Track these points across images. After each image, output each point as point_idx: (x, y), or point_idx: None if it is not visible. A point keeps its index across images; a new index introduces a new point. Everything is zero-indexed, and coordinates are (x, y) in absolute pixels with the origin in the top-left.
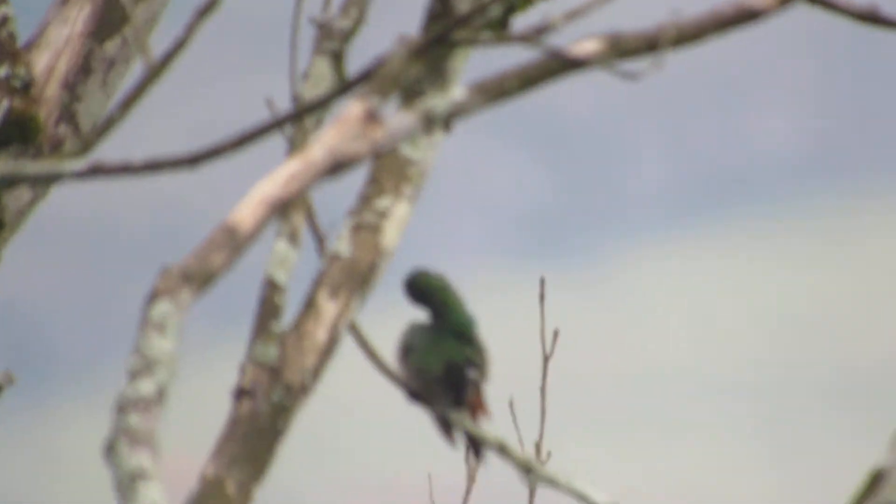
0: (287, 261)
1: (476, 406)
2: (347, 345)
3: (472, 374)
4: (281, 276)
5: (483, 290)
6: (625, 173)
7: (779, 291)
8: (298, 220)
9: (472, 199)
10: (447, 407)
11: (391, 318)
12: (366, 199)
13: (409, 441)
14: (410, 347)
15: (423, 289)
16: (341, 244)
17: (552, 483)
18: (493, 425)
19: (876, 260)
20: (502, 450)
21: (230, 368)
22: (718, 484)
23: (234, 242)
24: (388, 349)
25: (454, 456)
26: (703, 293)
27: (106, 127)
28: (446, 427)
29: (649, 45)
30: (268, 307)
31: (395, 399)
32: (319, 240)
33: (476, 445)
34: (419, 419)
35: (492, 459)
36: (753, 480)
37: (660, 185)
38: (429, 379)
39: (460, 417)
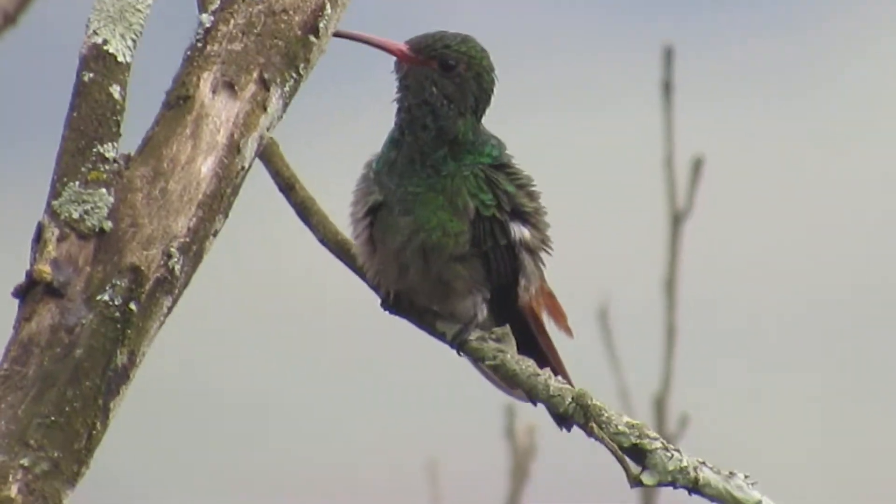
0: (133, 9)
1: (536, 306)
2: (264, 187)
3: (521, 232)
4: (119, 44)
5: (558, 68)
6: None
7: None
8: None
9: None
10: (473, 317)
11: (360, 126)
12: None
13: (397, 397)
14: (384, 202)
15: (460, 61)
16: None
17: (686, 483)
18: (570, 352)
19: None
20: (586, 413)
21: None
22: None
23: None
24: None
25: (477, 424)
26: None
27: None
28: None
29: None
30: (91, 110)
31: (364, 302)
32: None
33: (534, 400)
34: (409, 344)
35: (560, 430)
36: None
37: None
38: (428, 259)
39: (497, 342)
